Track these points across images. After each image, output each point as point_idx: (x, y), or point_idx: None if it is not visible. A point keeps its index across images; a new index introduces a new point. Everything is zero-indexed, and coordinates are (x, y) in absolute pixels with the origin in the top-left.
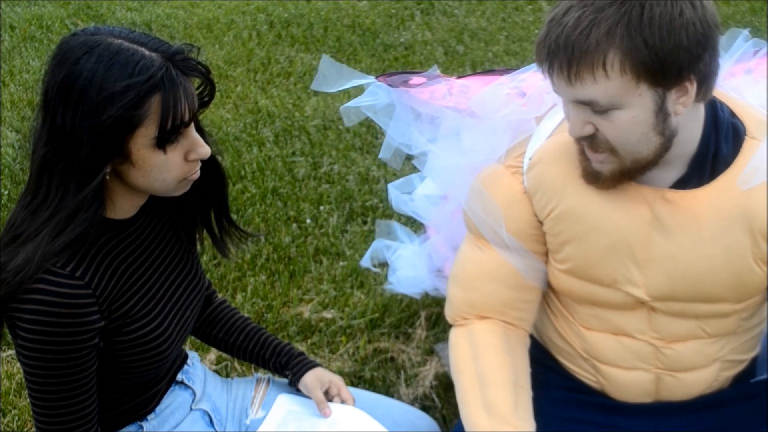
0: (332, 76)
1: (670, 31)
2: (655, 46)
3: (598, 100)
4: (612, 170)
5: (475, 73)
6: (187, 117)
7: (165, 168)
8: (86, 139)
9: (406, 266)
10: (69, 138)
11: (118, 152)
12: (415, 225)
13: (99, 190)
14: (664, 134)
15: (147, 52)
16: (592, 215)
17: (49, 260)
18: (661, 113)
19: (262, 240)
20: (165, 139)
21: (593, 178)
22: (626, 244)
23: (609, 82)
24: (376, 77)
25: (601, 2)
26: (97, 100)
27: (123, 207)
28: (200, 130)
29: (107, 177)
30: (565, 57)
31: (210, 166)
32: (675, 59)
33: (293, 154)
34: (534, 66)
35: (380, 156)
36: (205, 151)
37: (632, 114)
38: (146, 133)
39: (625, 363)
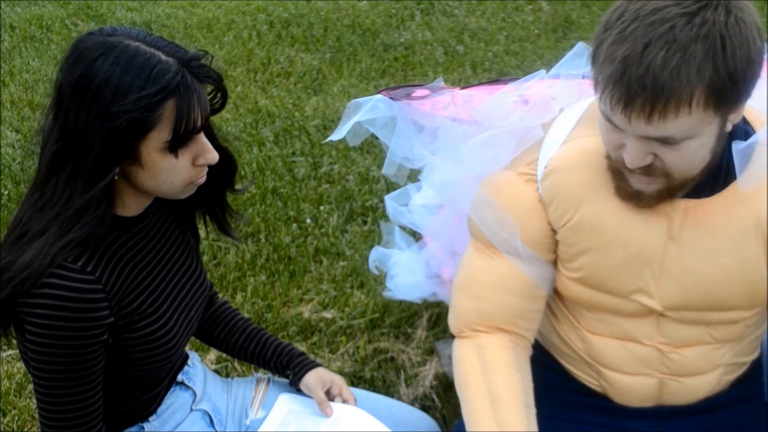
0: (345, 119)
1: (748, 60)
2: (737, 77)
3: (675, 135)
4: (658, 189)
5: (479, 84)
6: (199, 123)
7: (173, 172)
8: (97, 140)
9: (403, 273)
10: (80, 137)
11: (128, 154)
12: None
13: (108, 190)
14: (715, 153)
15: (164, 57)
16: (611, 227)
17: (57, 259)
18: (722, 136)
19: (262, 240)
20: (177, 143)
21: (633, 197)
22: (644, 255)
23: (690, 117)
24: (379, 91)
25: (683, 38)
26: (111, 102)
27: (131, 205)
28: (210, 128)
29: (116, 177)
30: (650, 96)
31: (221, 159)
32: (747, 87)
33: (293, 154)
34: (539, 74)
35: (384, 172)
36: (213, 156)
37: (700, 142)
38: (158, 136)
39: (629, 368)
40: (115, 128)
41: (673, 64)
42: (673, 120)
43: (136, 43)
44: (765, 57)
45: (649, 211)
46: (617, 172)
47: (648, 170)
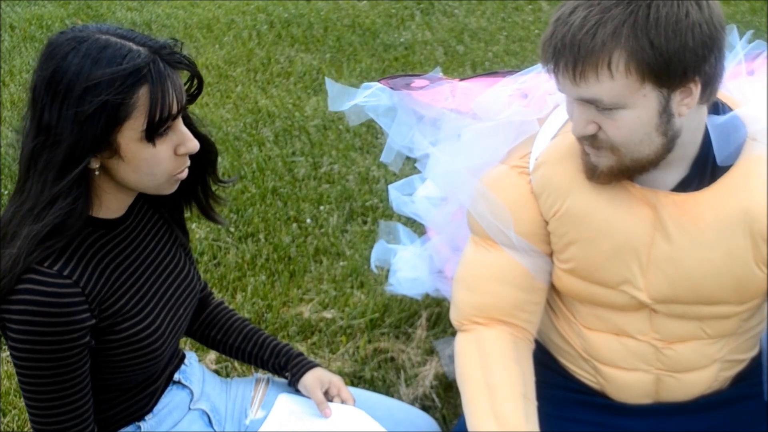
0: (341, 95)
1: (675, 32)
2: (661, 47)
3: (603, 99)
4: (609, 166)
5: (477, 75)
6: (175, 109)
7: (154, 162)
8: (69, 130)
9: (406, 267)
10: (53, 131)
11: (105, 145)
12: (415, 225)
13: (79, 181)
14: (666, 135)
15: (134, 46)
16: (597, 217)
17: (32, 255)
18: (665, 114)
19: (262, 240)
20: (154, 131)
21: (591, 172)
22: (630, 246)
23: (613, 82)
24: (379, 80)
25: (607, 2)
26: (83, 92)
27: (111, 205)
28: (188, 119)
29: (96, 173)
30: (570, 56)
31: (201, 145)
32: (680, 60)
33: (293, 154)
34: (536, 68)
35: (382, 159)
36: (194, 145)
37: (636, 114)
38: (135, 125)
39: (625, 364)
40: (85, 114)
41: (590, 24)
42: (595, 82)
43: (106, 36)
44: (716, 41)
45: (632, 201)
46: (582, 149)
47: (594, 142)
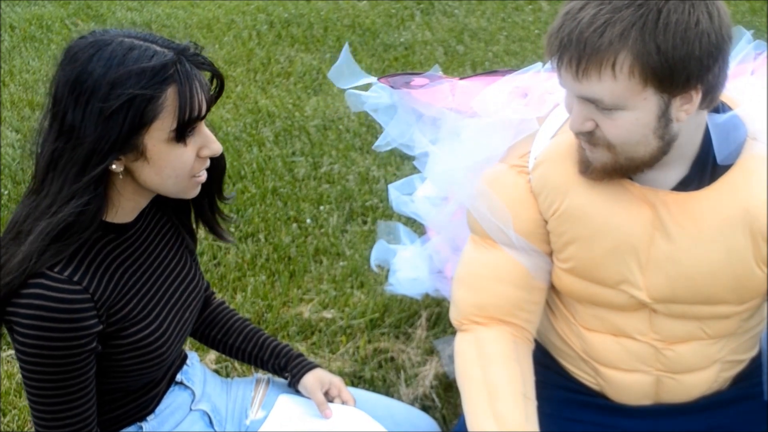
0: (347, 70)
1: (684, 39)
2: (667, 53)
3: (603, 99)
4: (603, 163)
5: (477, 74)
6: (204, 108)
7: (179, 164)
8: (93, 127)
9: (406, 267)
10: (76, 132)
11: (131, 146)
12: (415, 225)
13: (98, 182)
14: (663, 138)
15: (159, 48)
16: (596, 215)
17: (44, 254)
18: (664, 118)
19: (262, 240)
20: (184, 130)
21: (584, 167)
22: (629, 245)
23: (615, 83)
24: (378, 78)
25: (618, 2)
26: (110, 86)
27: (125, 210)
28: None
29: (120, 177)
30: (575, 52)
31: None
32: (685, 68)
33: (293, 154)
34: (535, 66)
35: (374, 146)
36: (218, 147)
37: (635, 116)
38: (163, 126)
39: (625, 365)
40: (111, 109)
41: (599, 23)
42: (597, 81)
43: (130, 39)
44: (722, 51)
45: (632, 199)
46: (578, 144)
47: (591, 138)
